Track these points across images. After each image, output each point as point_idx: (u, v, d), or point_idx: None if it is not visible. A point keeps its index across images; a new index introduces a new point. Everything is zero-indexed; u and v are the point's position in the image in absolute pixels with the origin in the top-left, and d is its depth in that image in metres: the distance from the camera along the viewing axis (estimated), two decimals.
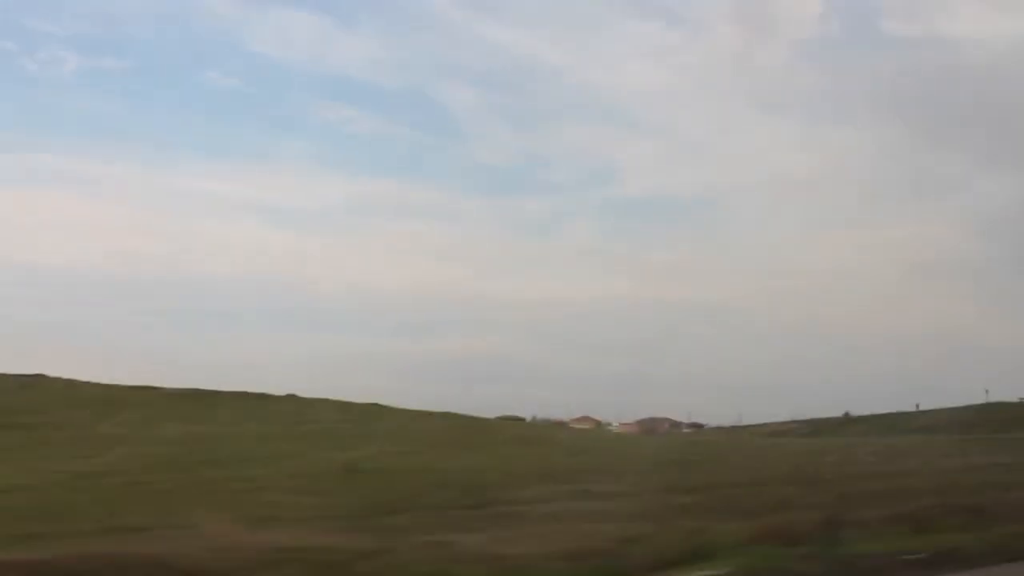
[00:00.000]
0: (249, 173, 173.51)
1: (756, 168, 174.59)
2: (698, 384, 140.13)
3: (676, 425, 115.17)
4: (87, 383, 46.64)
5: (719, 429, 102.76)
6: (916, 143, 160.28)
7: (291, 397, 49.90)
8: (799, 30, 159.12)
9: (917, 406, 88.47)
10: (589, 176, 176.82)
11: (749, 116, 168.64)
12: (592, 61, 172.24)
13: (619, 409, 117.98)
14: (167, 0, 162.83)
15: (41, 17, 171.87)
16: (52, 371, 48.42)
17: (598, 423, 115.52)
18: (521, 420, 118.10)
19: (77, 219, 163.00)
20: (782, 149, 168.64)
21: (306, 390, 52.57)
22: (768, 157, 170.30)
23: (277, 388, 53.03)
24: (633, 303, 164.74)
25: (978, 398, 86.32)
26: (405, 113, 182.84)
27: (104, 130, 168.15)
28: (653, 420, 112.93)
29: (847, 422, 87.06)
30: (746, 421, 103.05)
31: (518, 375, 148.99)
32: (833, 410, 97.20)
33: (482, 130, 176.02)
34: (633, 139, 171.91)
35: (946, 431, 71.18)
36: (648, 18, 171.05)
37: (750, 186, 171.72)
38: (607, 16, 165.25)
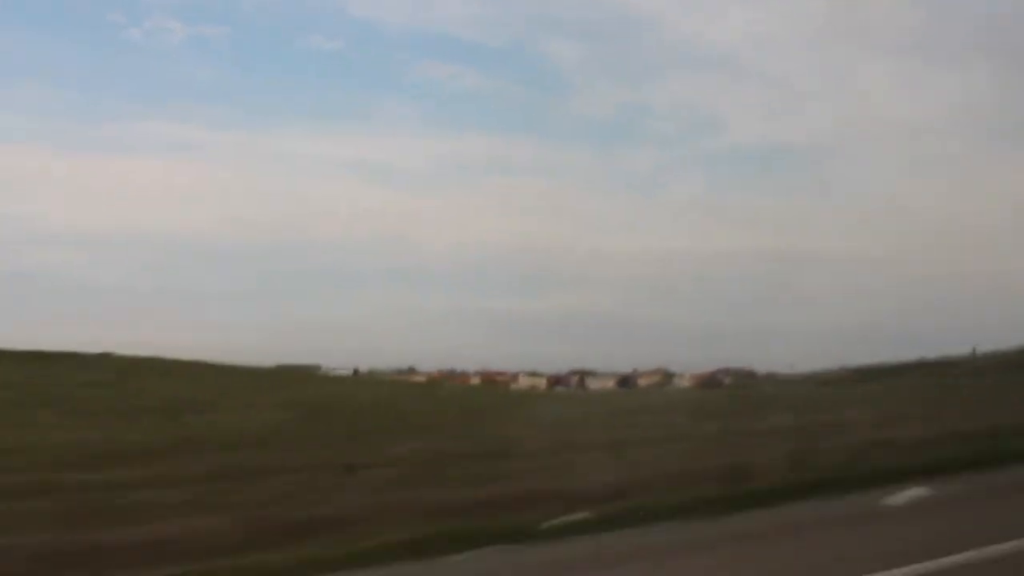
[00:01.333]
0: (354, 134, 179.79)
1: (865, 114, 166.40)
2: (800, 333, 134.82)
3: (749, 375, 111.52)
4: None
5: (776, 377, 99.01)
6: None
7: (104, 356, 45.42)
8: None
9: (974, 350, 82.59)
10: (694, 127, 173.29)
11: (857, 61, 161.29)
12: (694, 9, 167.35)
13: (720, 362, 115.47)
14: None
15: None
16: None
17: (668, 375, 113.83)
18: (590, 374, 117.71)
19: (185, 185, 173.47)
20: (891, 94, 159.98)
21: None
22: (877, 102, 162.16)
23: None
24: (740, 254, 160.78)
25: None
26: (508, 68, 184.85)
27: (210, 97, 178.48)
28: (719, 372, 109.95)
29: (901, 369, 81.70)
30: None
31: (623, 330, 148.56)
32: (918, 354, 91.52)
33: (586, 83, 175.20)
34: (738, 88, 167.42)
35: (984, 375, 66.21)
36: None
37: (859, 132, 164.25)
38: None
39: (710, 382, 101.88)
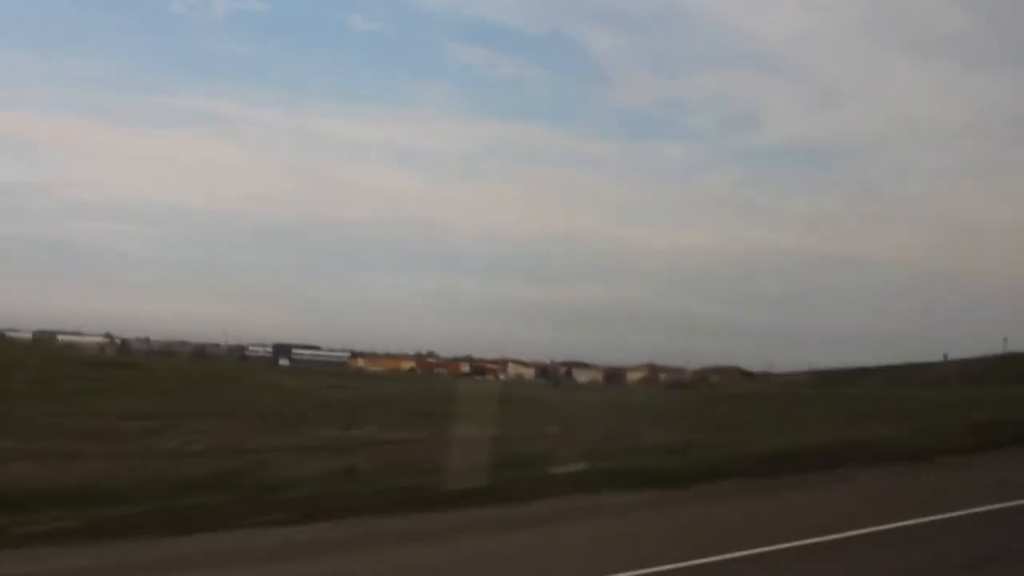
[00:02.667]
0: (389, 117, 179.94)
1: (903, 115, 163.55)
2: (819, 333, 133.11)
3: (736, 374, 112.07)
4: None
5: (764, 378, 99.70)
6: None
7: None
8: None
9: (945, 356, 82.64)
10: (730, 122, 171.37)
11: (896, 62, 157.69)
12: (735, 4, 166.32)
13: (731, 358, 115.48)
14: None
15: None
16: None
17: (656, 370, 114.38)
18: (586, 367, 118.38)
19: (218, 160, 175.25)
20: (930, 96, 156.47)
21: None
22: (915, 104, 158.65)
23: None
24: (771, 252, 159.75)
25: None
26: (545, 57, 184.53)
27: (248, 73, 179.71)
28: (707, 370, 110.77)
29: (866, 373, 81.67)
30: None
31: (651, 323, 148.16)
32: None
33: (622, 75, 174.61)
34: (775, 85, 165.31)
35: (947, 381, 66.51)
36: None
37: (895, 134, 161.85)
38: None
39: (679, 381, 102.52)
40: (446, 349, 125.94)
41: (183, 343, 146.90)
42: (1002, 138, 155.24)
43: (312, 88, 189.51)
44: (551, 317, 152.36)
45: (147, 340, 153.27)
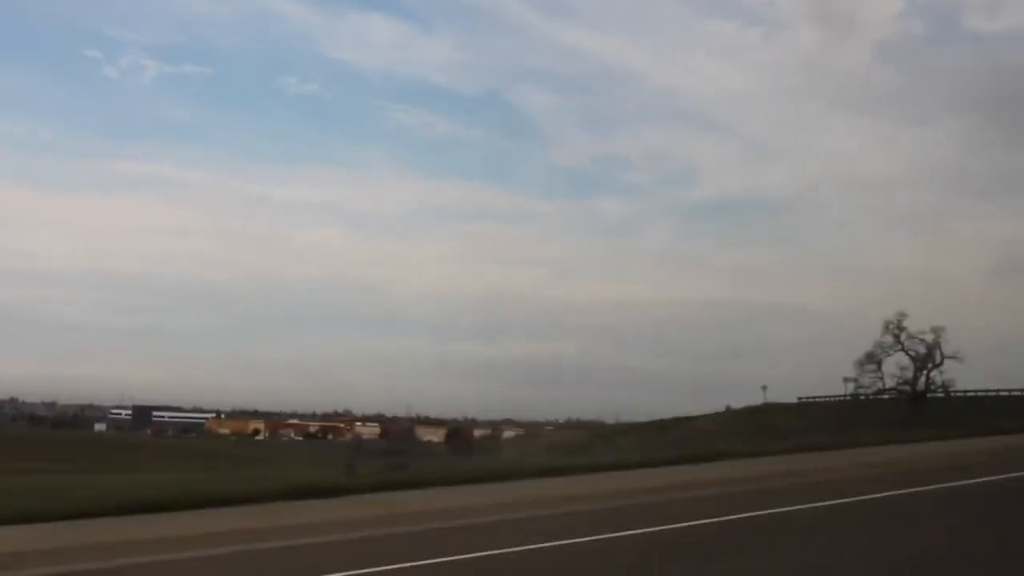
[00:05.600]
0: (326, 178, 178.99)
1: (835, 169, 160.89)
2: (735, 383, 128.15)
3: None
4: None
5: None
6: (1000, 139, 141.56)
7: None
8: (879, 29, 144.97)
9: (727, 407, 76.74)
10: (666, 178, 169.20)
11: (828, 116, 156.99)
12: (670, 63, 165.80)
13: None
14: (246, 8, 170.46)
15: (123, 25, 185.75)
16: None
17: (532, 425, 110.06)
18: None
19: (156, 224, 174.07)
20: (861, 149, 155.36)
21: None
22: (847, 157, 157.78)
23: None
24: (706, 304, 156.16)
25: None
26: (482, 117, 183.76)
27: (183, 136, 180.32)
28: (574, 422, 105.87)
29: (634, 429, 75.27)
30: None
31: (593, 378, 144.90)
32: None
33: (559, 133, 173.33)
34: (710, 140, 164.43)
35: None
36: (726, 17, 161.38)
37: (829, 186, 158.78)
38: (685, 17, 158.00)
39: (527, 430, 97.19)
40: (365, 407, 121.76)
41: (89, 407, 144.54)
42: (933, 189, 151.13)
43: (247, 150, 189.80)
44: (484, 373, 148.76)
45: (53, 405, 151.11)
